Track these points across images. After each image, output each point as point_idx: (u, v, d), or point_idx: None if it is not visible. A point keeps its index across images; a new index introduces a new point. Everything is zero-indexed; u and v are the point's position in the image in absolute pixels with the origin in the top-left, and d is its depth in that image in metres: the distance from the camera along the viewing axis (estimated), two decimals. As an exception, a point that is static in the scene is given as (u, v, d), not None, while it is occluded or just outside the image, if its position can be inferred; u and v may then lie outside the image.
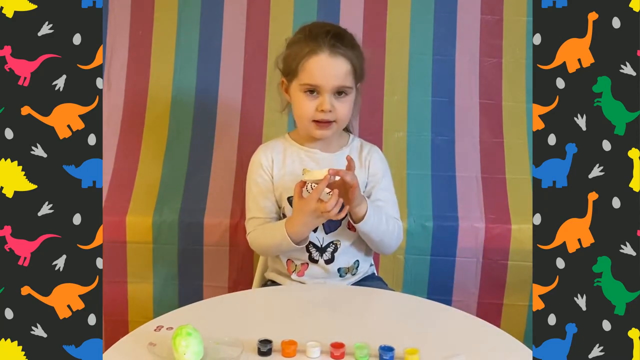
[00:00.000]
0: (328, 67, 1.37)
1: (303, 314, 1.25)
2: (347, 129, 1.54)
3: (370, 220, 1.37)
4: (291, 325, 1.19)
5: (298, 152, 1.47)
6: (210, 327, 1.12)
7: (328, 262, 1.45)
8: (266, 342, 1.08)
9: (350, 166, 1.33)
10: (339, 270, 1.46)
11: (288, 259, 1.48)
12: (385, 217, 1.42)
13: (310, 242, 1.43)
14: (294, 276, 1.47)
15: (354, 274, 1.48)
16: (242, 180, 1.87)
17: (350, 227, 1.44)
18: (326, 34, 1.38)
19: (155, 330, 1.13)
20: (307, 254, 1.45)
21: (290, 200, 1.45)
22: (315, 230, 1.43)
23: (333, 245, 1.45)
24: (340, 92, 1.38)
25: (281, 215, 1.48)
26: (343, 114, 1.40)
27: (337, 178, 1.31)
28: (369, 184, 1.47)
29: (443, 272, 1.84)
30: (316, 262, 1.45)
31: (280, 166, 1.46)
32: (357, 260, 1.48)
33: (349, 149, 1.49)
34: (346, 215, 1.37)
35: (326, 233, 1.44)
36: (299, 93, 1.40)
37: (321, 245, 1.45)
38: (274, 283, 1.51)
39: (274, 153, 1.48)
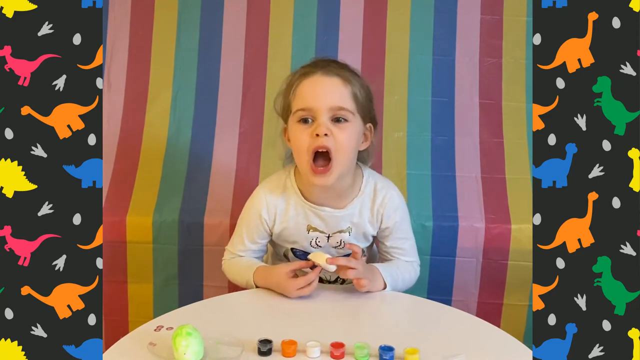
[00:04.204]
0: (321, 86, 1.25)
1: (303, 314, 1.25)
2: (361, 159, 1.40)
3: (391, 288, 1.33)
4: (291, 325, 1.19)
5: (303, 207, 1.34)
6: (210, 327, 1.12)
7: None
8: (266, 342, 1.08)
9: (355, 255, 1.29)
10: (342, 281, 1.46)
11: None
12: (401, 274, 1.36)
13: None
14: None
15: None
16: (242, 180, 1.88)
17: None
18: (320, 61, 1.31)
19: (155, 330, 1.13)
20: None
21: (294, 251, 1.40)
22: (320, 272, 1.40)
23: (341, 280, 1.43)
24: (338, 118, 1.25)
25: (282, 254, 1.44)
26: (342, 141, 1.23)
27: (335, 268, 1.26)
28: (380, 233, 1.39)
29: (443, 272, 1.84)
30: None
31: (282, 219, 1.36)
32: None
33: (361, 200, 1.34)
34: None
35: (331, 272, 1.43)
36: (294, 126, 1.27)
37: (329, 281, 1.43)
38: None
39: (278, 206, 1.35)
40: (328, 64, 1.29)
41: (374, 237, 1.42)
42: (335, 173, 1.26)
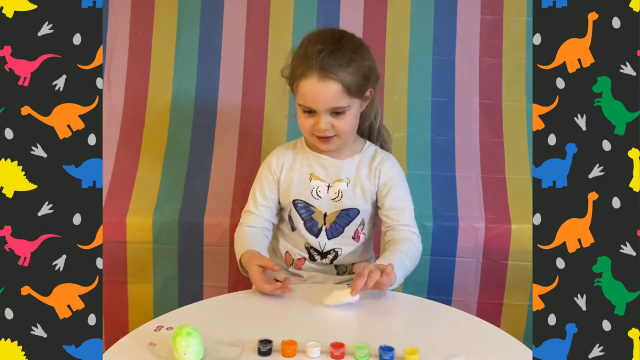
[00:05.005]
0: (318, 92, 1.35)
1: (303, 314, 1.25)
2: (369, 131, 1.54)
3: (402, 275, 1.33)
4: (291, 325, 1.19)
5: (307, 157, 1.48)
6: (210, 327, 1.12)
7: (327, 264, 1.45)
8: (266, 342, 1.08)
9: (359, 269, 1.26)
10: (336, 267, 1.46)
11: (286, 252, 1.50)
12: (406, 256, 1.36)
13: (311, 247, 1.45)
14: (291, 269, 1.48)
15: (352, 273, 1.48)
16: (242, 180, 1.88)
17: (355, 237, 1.45)
18: (318, 54, 1.34)
19: (155, 330, 1.13)
20: (307, 254, 1.46)
21: (295, 203, 1.46)
22: (317, 236, 1.45)
23: (334, 252, 1.45)
24: (336, 112, 1.37)
25: (287, 217, 1.49)
26: (343, 128, 1.39)
27: (358, 298, 1.24)
28: (379, 193, 1.46)
29: (443, 272, 1.84)
30: (315, 261, 1.46)
31: (288, 170, 1.48)
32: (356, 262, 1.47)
33: (361, 156, 1.47)
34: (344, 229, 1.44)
35: (328, 239, 1.45)
36: (299, 111, 1.41)
37: (322, 250, 1.45)
38: (272, 280, 1.51)
39: (286, 158, 1.49)
40: (325, 64, 1.32)
41: (376, 206, 1.46)
42: (338, 144, 1.43)
